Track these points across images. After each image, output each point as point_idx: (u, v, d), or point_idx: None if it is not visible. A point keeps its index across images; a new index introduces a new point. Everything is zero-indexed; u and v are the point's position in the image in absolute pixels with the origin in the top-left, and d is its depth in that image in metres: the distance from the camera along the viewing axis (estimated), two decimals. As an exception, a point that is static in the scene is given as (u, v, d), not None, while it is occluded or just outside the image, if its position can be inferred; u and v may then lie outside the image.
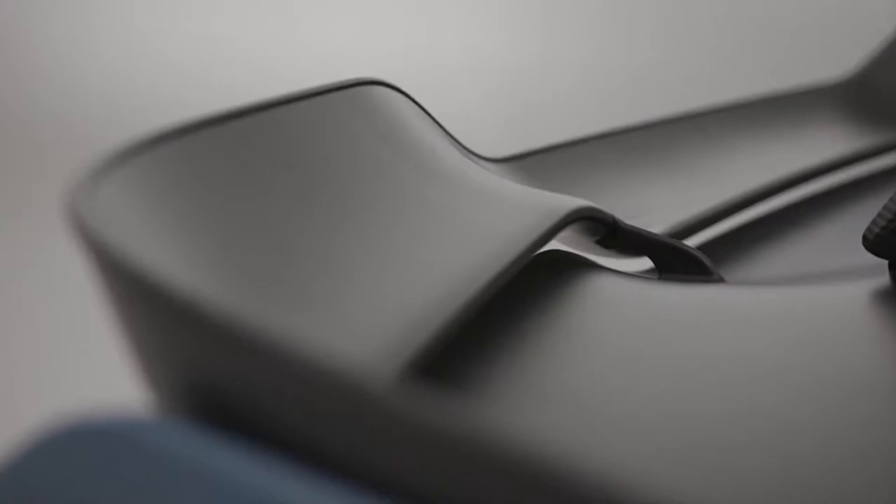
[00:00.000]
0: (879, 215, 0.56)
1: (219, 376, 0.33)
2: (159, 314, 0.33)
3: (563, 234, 0.59)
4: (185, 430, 0.33)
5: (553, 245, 0.58)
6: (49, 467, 0.32)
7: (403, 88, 0.59)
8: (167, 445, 0.32)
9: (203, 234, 0.41)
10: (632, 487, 0.28)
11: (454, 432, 0.29)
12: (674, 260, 0.64)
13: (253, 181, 0.45)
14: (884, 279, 0.55)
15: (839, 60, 1.04)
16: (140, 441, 0.32)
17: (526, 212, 0.55)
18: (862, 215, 0.59)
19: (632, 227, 0.62)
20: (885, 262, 0.57)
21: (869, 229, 0.56)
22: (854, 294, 0.55)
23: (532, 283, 0.54)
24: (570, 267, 0.57)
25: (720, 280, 0.62)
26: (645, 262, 0.64)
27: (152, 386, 0.36)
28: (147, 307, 0.34)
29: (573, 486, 0.28)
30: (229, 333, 0.32)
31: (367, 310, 0.43)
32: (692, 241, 0.71)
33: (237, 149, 0.46)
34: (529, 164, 0.70)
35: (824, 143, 0.89)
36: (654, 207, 0.71)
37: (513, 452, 0.29)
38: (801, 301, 0.55)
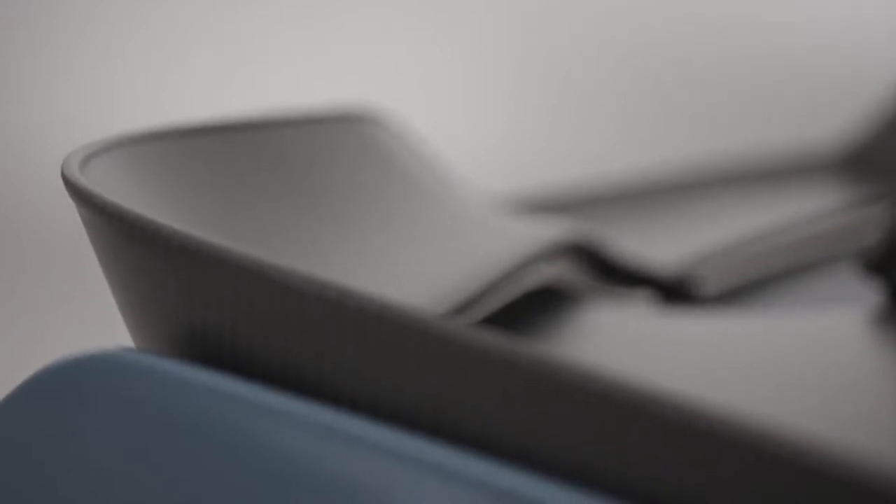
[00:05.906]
0: (878, 235, 0.56)
1: (221, 314, 0.34)
2: (179, 259, 0.34)
3: (562, 266, 0.59)
4: (187, 365, 0.33)
5: (549, 277, 0.58)
6: (48, 394, 0.33)
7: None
8: (168, 372, 0.32)
9: (199, 210, 0.42)
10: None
11: (511, 357, 0.30)
12: (673, 291, 0.64)
13: (245, 185, 0.46)
14: (882, 303, 0.55)
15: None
16: (138, 369, 0.32)
17: (520, 234, 0.55)
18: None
19: (630, 258, 0.63)
20: (884, 289, 0.56)
21: (869, 250, 0.56)
22: (854, 317, 0.55)
23: (525, 314, 0.54)
24: (564, 298, 0.57)
25: (719, 311, 0.62)
26: (646, 295, 0.64)
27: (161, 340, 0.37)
28: (165, 257, 0.35)
29: (613, 396, 0.29)
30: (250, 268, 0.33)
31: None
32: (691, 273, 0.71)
33: (228, 154, 0.47)
34: (525, 200, 0.71)
35: (825, 194, 0.90)
36: (656, 240, 0.71)
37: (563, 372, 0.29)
38: (799, 325, 0.55)
